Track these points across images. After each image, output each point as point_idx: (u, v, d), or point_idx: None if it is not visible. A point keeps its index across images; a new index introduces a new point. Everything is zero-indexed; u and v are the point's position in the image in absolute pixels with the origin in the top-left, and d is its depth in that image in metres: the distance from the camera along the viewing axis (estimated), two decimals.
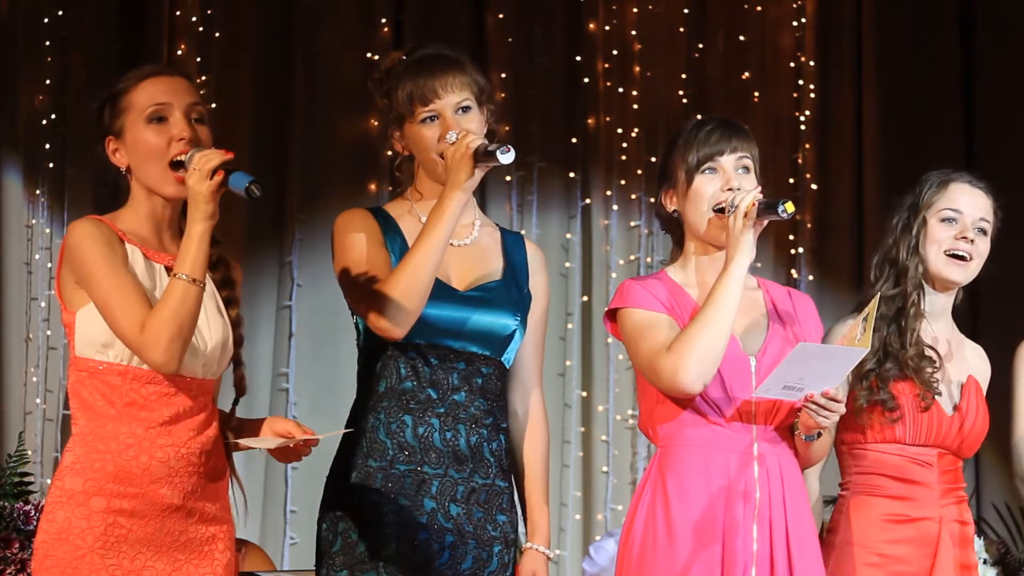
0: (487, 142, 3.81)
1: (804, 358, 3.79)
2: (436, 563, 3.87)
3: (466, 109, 3.95)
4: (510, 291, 4.00)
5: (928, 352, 4.27)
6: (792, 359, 3.78)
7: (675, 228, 4.12)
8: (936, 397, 4.26)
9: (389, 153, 7.58)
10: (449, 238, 3.83)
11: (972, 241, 4.31)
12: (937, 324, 4.35)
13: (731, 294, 3.89)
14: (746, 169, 4.01)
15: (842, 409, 3.89)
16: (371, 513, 3.87)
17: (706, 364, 3.88)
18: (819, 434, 3.97)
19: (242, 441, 3.79)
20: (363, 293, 3.87)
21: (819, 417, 3.88)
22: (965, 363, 4.36)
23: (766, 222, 3.94)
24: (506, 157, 3.75)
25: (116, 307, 3.64)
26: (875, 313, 3.91)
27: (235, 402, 3.88)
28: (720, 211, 3.96)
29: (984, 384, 4.39)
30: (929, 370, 4.26)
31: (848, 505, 4.28)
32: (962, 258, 4.31)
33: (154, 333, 3.61)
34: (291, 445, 3.76)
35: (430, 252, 3.81)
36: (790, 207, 3.88)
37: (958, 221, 4.32)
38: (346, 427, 3.94)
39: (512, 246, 4.09)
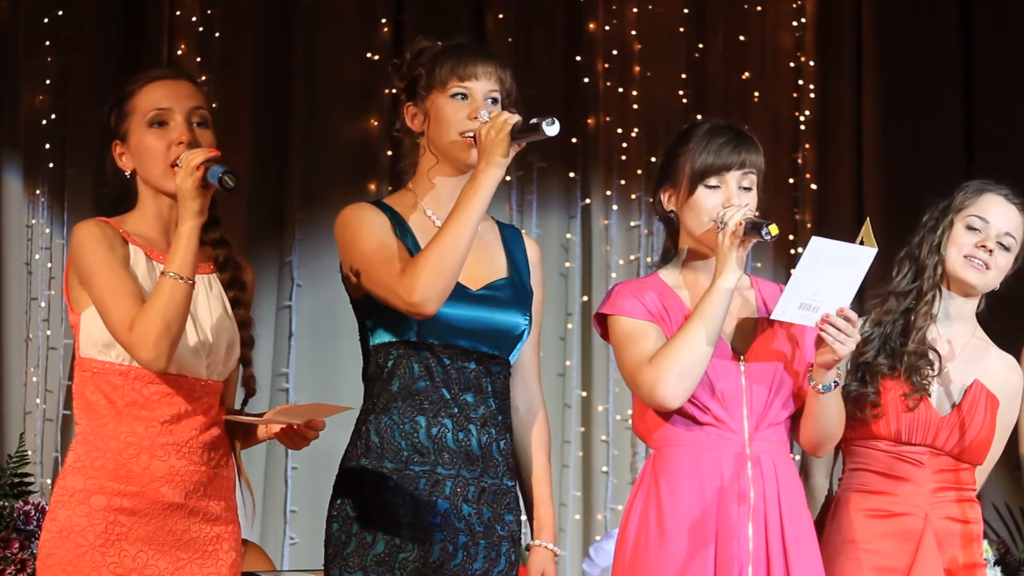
0: (521, 119, 3.78)
1: (817, 258, 3.82)
2: (450, 564, 3.86)
3: (494, 100, 3.95)
4: (517, 289, 4.00)
5: (930, 353, 4.27)
6: (806, 261, 3.81)
7: (670, 226, 4.11)
8: (928, 398, 4.25)
9: (389, 153, 7.59)
10: (482, 215, 3.80)
11: (991, 252, 4.31)
12: (954, 327, 4.35)
13: (716, 310, 3.89)
14: (748, 186, 4.00)
15: (857, 335, 3.89)
16: (386, 514, 3.85)
17: (685, 380, 3.89)
18: (836, 383, 3.95)
19: (236, 417, 3.79)
20: (389, 275, 3.81)
21: (837, 343, 3.87)
22: (978, 368, 4.34)
23: (753, 241, 3.94)
24: (552, 128, 3.72)
25: (110, 306, 3.66)
26: (870, 231, 3.94)
27: (244, 402, 3.89)
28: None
29: (1005, 394, 4.35)
30: (926, 371, 4.26)
31: (837, 501, 4.30)
32: (980, 264, 4.31)
33: (141, 331, 3.62)
34: (295, 427, 3.75)
35: (464, 228, 3.76)
36: (774, 230, 3.88)
37: (982, 230, 4.33)
38: (356, 424, 3.93)
39: (511, 241, 4.08)
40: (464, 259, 3.79)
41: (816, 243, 3.86)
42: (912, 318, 4.29)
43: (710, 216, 3.97)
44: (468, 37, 4.15)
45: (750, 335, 4.03)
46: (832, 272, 3.86)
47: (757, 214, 3.96)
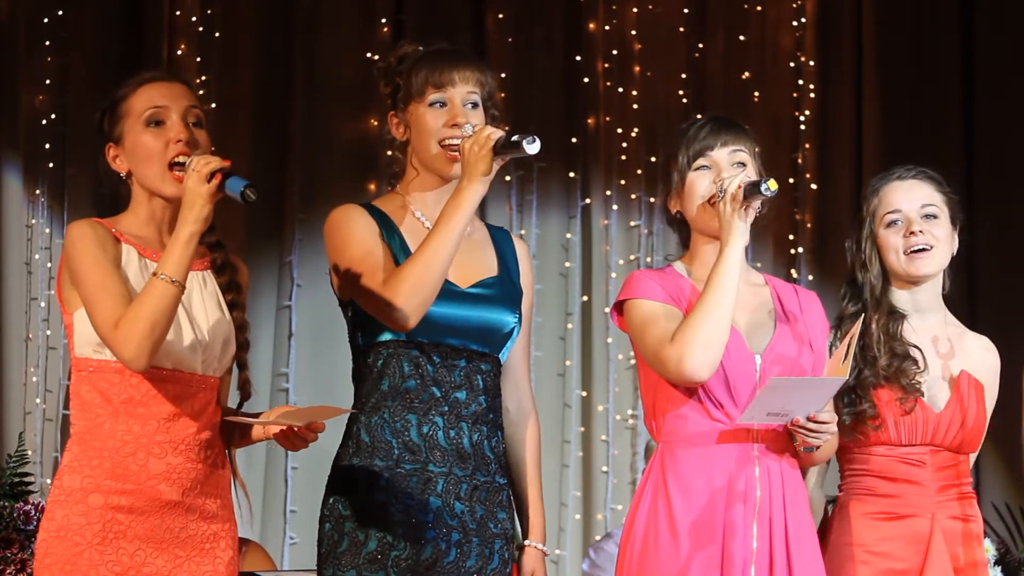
0: (504, 134, 3.80)
1: (780, 390, 3.80)
2: (443, 561, 3.87)
3: (474, 105, 3.97)
4: (507, 287, 4.01)
5: (912, 352, 4.26)
6: (766, 391, 3.79)
7: (682, 229, 4.13)
8: (920, 397, 4.24)
9: (389, 153, 7.59)
10: (464, 230, 3.82)
11: (922, 232, 4.30)
12: (927, 319, 4.33)
13: (729, 278, 3.91)
14: (742, 164, 4.02)
15: (833, 429, 3.92)
16: (378, 513, 3.86)
17: (711, 350, 3.89)
18: (817, 446, 3.97)
19: (236, 418, 3.79)
20: (372, 284, 3.84)
21: (810, 438, 3.91)
22: (964, 356, 4.34)
23: (757, 204, 3.95)
24: (532, 147, 3.74)
25: (97, 304, 3.66)
26: (857, 339, 3.92)
27: (239, 405, 3.89)
28: (712, 202, 3.99)
29: (987, 376, 4.35)
30: (912, 371, 4.25)
31: (841, 505, 4.29)
32: (923, 250, 4.31)
33: (126, 330, 3.61)
34: (295, 429, 3.75)
35: (445, 243, 3.78)
36: (773, 185, 3.89)
37: (900, 220, 4.30)
38: (348, 424, 3.94)
39: (501, 241, 4.10)
40: (445, 272, 3.81)
41: (773, 382, 3.81)
42: (870, 336, 4.27)
43: (701, 194, 4.01)
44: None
45: (765, 333, 4.04)
46: (798, 393, 3.84)
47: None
